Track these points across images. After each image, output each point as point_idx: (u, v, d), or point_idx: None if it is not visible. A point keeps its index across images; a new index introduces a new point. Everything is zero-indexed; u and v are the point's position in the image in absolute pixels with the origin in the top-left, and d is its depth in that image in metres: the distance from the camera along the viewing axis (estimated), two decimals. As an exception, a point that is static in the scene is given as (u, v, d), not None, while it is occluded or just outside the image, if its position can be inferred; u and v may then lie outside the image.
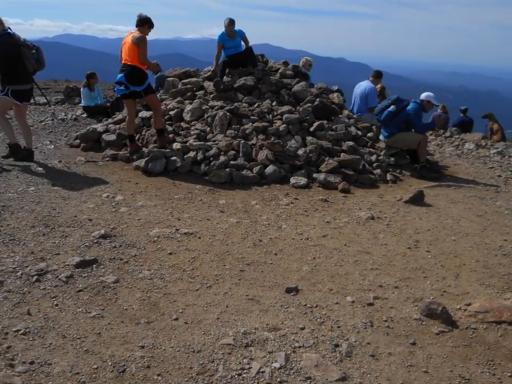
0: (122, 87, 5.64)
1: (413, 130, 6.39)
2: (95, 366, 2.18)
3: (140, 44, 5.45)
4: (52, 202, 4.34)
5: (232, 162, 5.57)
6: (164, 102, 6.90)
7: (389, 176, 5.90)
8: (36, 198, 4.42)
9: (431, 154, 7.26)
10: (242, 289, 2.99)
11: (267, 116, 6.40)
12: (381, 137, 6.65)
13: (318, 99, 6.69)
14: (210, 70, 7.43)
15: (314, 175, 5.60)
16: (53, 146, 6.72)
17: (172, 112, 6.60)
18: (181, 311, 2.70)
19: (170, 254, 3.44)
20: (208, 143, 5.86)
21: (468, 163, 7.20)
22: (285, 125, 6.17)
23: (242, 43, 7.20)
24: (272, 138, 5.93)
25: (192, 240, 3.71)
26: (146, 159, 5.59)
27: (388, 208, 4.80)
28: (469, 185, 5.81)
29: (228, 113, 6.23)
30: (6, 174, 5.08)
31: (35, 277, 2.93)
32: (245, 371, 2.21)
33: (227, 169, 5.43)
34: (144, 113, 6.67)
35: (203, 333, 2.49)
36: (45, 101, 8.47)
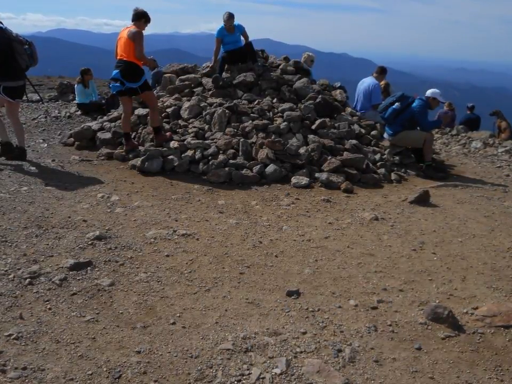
0: (117, 84, 5.59)
1: (418, 128, 6.33)
2: (90, 372, 2.14)
3: (136, 39, 5.40)
4: (45, 202, 4.28)
5: (231, 161, 5.50)
6: (160, 99, 6.85)
7: (393, 176, 5.83)
8: (28, 198, 4.36)
9: (436, 153, 7.20)
10: (241, 292, 2.94)
11: (267, 113, 6.34)
12: (385, 135, 6.60)
13: (320, 96, 6.64)
14: (208, 66, 7.38)
15: (316, 175, 5.53)
16: (46, 144, 6.67)
17: (169, 110, 6.54)
18: (178, 315, 2.65)
19: (167, 256, 3.38)
20: (207, 141, 5.80)
21: (475, 162, 7.15)
22: (286, 123, 6.10)
23: (242, 38, 7.17)
24: (273, 137, 5.86)
25: (190, 242, 3.66)
26: (142, 158, 5.53)
27: (392, 209, 4.73)
28: (476, 185, 5.75)
29: (227, 111, 6.17)
30: (-2, 173, 5.02)
31: (28, 279, 2.88)
32: (244, 377, 2.17)
33: (226, 169, 5.37)
34: (140, 111, 6.61)
35: (201, 337, 2.45)
36: (38, 98, 8.38)
